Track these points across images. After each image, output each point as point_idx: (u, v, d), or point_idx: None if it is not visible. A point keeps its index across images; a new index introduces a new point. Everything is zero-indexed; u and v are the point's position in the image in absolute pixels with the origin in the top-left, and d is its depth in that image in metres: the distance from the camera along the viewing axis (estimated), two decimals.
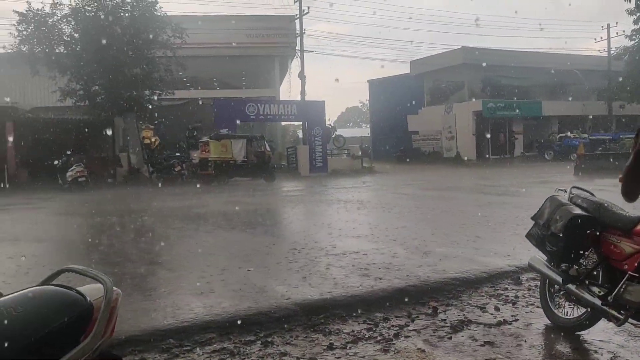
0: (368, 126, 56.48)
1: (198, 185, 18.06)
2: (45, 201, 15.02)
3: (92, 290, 1.90)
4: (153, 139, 25.36)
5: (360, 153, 28.32)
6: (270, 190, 17.71)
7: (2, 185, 19.79)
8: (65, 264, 5.89)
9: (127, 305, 4.34)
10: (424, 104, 37.86)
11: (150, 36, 22.02)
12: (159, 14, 22.44)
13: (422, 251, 6.49)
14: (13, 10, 21.58)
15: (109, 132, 22.61)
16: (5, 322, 1.59)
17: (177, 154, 23.73)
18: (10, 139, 21.70)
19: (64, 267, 1.98)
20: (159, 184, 20.06)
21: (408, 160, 32.07)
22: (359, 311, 4.43)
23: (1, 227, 10.22)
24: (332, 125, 30.59)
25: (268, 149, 22.46)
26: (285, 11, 34.12)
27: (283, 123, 34.02)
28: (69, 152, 19.93)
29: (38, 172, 20.83)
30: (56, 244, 8.39)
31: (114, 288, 1.89)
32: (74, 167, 18.79)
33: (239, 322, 4.06)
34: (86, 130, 22.72)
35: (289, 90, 57.12)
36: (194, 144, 24.58)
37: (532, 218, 4.10)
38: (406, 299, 4.67)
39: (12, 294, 1.79)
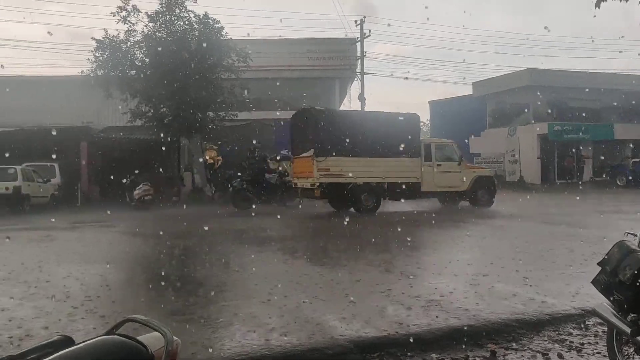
0: None
1: (262, 206, 18.37)
2: (114, 219, 15.71)
3: (152, 340, 1.98)
4: (216, 159, 26.14)
5: None
6: (334, 213, 17.77)
7: (76, 202, 20.98)
8: (131, 291, 6.12)
9: (185, 334, 4.47)
10: (486, 126, 37.08)
11: (216, 60, 22.85)
12: (224, 38, 23.25)
13: (481, 287, 6.31)
14: (91, 37, 22.98)
15: (175, 153, 23.51)
16: None
17: (239, 174, 24.28)
18: (84, 158, 22.95)
19: (128, 317, 2.08)
20: (221, 204, 20.60)
21: None
22: (415, 351, 4.36)
23: (71, 246, 10.75)
24: None
25: None
26: (346, 34, 34.42)
27: None
28: (136, 171, 20.83)
29: (108, 189, 21.88)
30: (123, 268, 8.74)
31: (174, 338, 1.97)
32: (141, 185, 19.61)
33: (293, 357, 4.09)
34: (153, 150, 23.73)
35: None
36: (254, 165, 25.12)
37: (599, 264, 3.91)
38: (464, 340, 4.55)
39: (81, 343, 1.89)
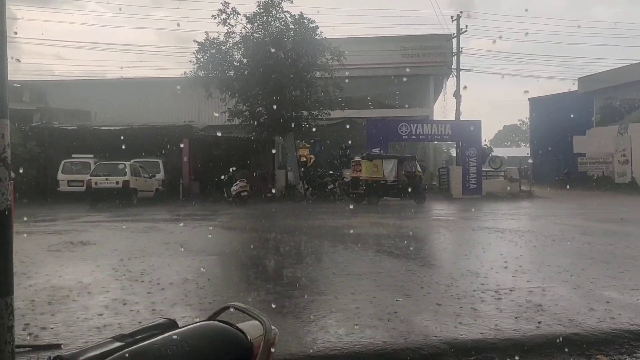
0: (527, 146, 53.29)
1: (350, 205, 18.46)
2: (212, 214, 16.44)
3: (251, 328, 2.02)
4: (309, 157, 26.58)
5: (518, 175, 26.75)
6: (420, 212, 17.47)
7: (178, 197, 22.18)
8: (229, 281, 6.34)
9: (276, 326, 4.55)
10: (592, 124, 34.72)
11: (310, 59, 23.22)
12: (319, 38, 23.55)
13: (589, 295, 5.89)
14: (193, 40, 24.20)
15: (273, 151, 24.22)
16: (181, 356, 1.75)
17: (331, 172, 24.54)
18: (186, 155, 24.22)
19: (229, 304, 2.14)
20: (313, 201, 20.92)
21: (572, 184, 29.56)
22: (515, 357, 4.15)
23: (175, 237, 11.36)
24: (488, 145, 29.37)
25: (419, 169, 22.26)
26: (442, 30, 33.65)
27: (435, 142, 33.48)
28: (234, 168, 21.66)
29: (207, 185, 22.94)
30: (222, 259, 9.10)
31: (272, 327, 1.99)
32: (237, 182, 20.36)
33: (386, 355, 4.03)
34: (249, 147, 24.61)
35: (443, 109, 56.20)
36: (346, 163, 25.28)
37: None
38: (567, 349, 4.26)
39: (184, 327, 1.97)
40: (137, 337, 1.91)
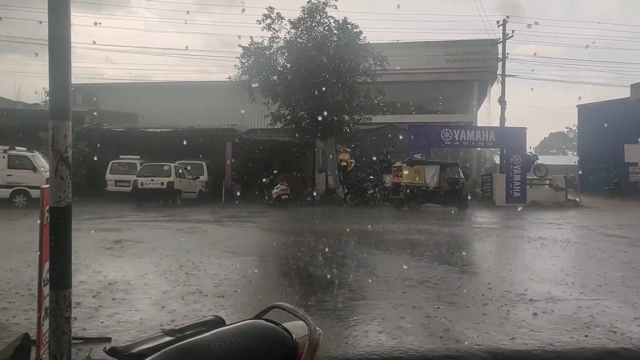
0: (574, 154, 51.78)
1: (391, 211, 18.36)
2: (254, 216, 16.65)
3: (296, 328, 2.07)
4: (349, 162, 26.57)
5: (564, 184, 26.00)
6: (462, 220, 17.22)
7: (220, 198, 22.56)
8: (271, 282, 6.44)
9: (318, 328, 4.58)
10: None
11: (353, 64, 23.25)
12: (362, 43, 23.55)
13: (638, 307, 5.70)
14: (238, 45, 24.55)
15: (311, 154, 24.32)
16: (229, 353, 1.81)
17: (371, 177, 24.46)
18: (229, 157, 24.61)
19: (275, 303, 2.20)
20: (353, 206, 20.88)
21: (622, 195, 28.55)
22: None
23: (217, 238, 11.56)
24: (533, 153, 28.68)
25: (462, 176, 21.94)
26: (487, 35, 33.07)
27: (479, 149, 32.93)
28: (275, 171, 21.87)
29: (249, 188, 23.25)
30: (264, 260, 9.23)
31: (317, 328, 2.03)
32: (278, 185, 20.54)
33: None
34: (290, 151, 24.81)
35: (487, 115, 55.28)
36: (387, 168, 25.16)
37: None
38: None
39: (231, 324, 2.03)
40: (187, 333, 1.98)
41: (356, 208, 20.72)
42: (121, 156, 22.84)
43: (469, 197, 21.40)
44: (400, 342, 4.43)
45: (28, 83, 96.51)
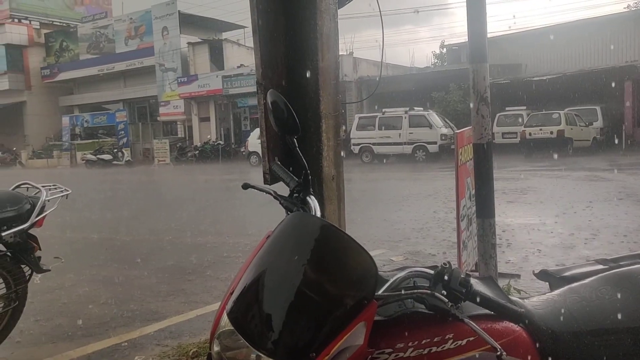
0: None
1: None
2: None
3: None
4: None
5: None
6: None
7: (620, 146, 20.31)
8: None
9: None
10: None
11: None
12: None
13: None
14: None
15: None
16: None
17: None
18: (628, 99, 21.78)
19: None
20: None
21: None
22: None
23: (621, 188, 10.56)
24: None
25: None
26: None
27: None
28: None
29: None
30: None
31: None
32: None
33: None
34: None
35: None
36: None
37: None
38: None
39: None
40: (620, 263, 1.94)
41: None
42: (507, 108, 22.94)
43: None
44: None
45: (420, 49, 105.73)
